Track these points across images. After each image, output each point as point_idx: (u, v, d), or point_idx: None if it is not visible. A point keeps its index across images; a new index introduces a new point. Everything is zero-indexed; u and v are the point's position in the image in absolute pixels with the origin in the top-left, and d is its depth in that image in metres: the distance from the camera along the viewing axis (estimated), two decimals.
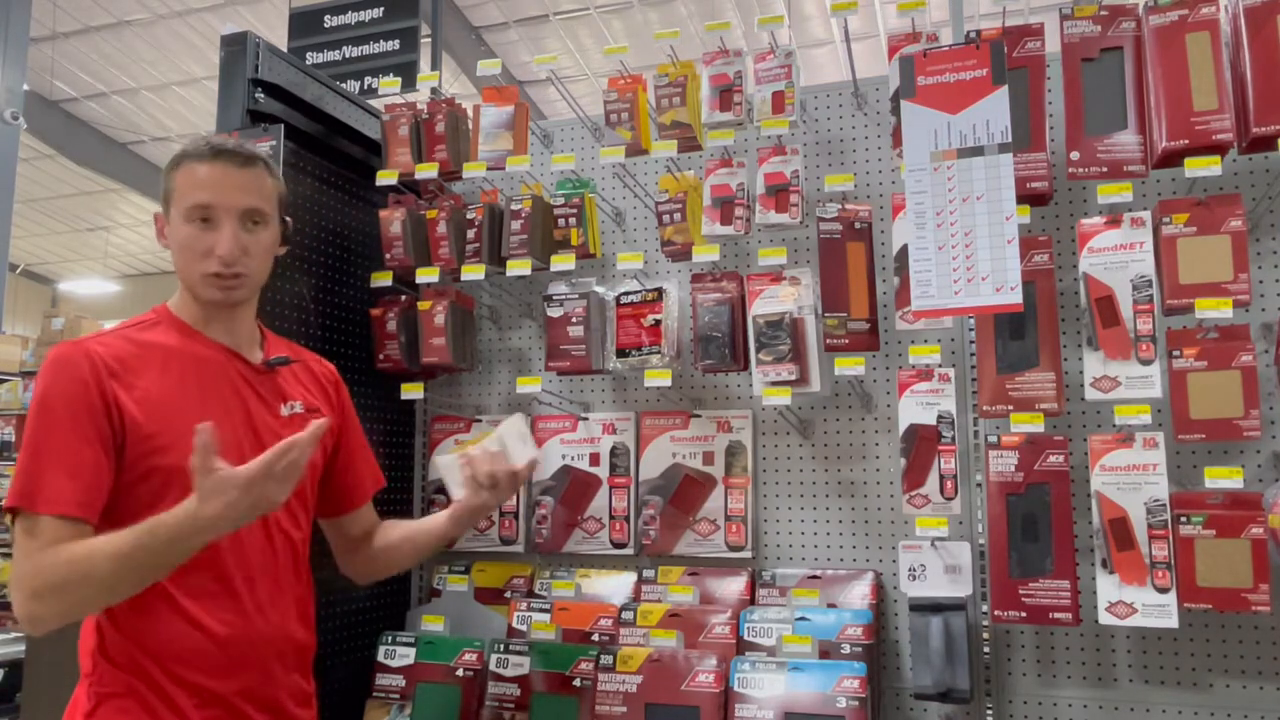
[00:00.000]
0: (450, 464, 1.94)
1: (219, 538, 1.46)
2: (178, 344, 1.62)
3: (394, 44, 5.34)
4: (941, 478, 2.04)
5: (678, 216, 2.29)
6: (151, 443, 1.51)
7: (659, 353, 2.30)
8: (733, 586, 2.32)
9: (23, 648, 3.55)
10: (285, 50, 2.87)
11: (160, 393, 1.55)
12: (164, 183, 1.64)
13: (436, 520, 1.94)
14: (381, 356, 2.53)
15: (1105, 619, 1.91)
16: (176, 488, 1.46)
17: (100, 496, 1.47)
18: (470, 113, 2.55)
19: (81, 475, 1.45)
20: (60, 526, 1.43)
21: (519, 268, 2.39)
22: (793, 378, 2.15)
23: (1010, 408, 1.97)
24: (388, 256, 2.50)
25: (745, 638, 2.15)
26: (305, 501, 1.75)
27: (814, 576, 2.27)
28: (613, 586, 2.43)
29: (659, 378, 2.24)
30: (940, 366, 2.09)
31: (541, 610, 2.36)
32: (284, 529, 1.68)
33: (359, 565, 1.97)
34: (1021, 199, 1.91)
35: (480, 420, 2.67)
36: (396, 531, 1.96)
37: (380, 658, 2.30)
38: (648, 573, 2.39)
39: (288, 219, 1.76)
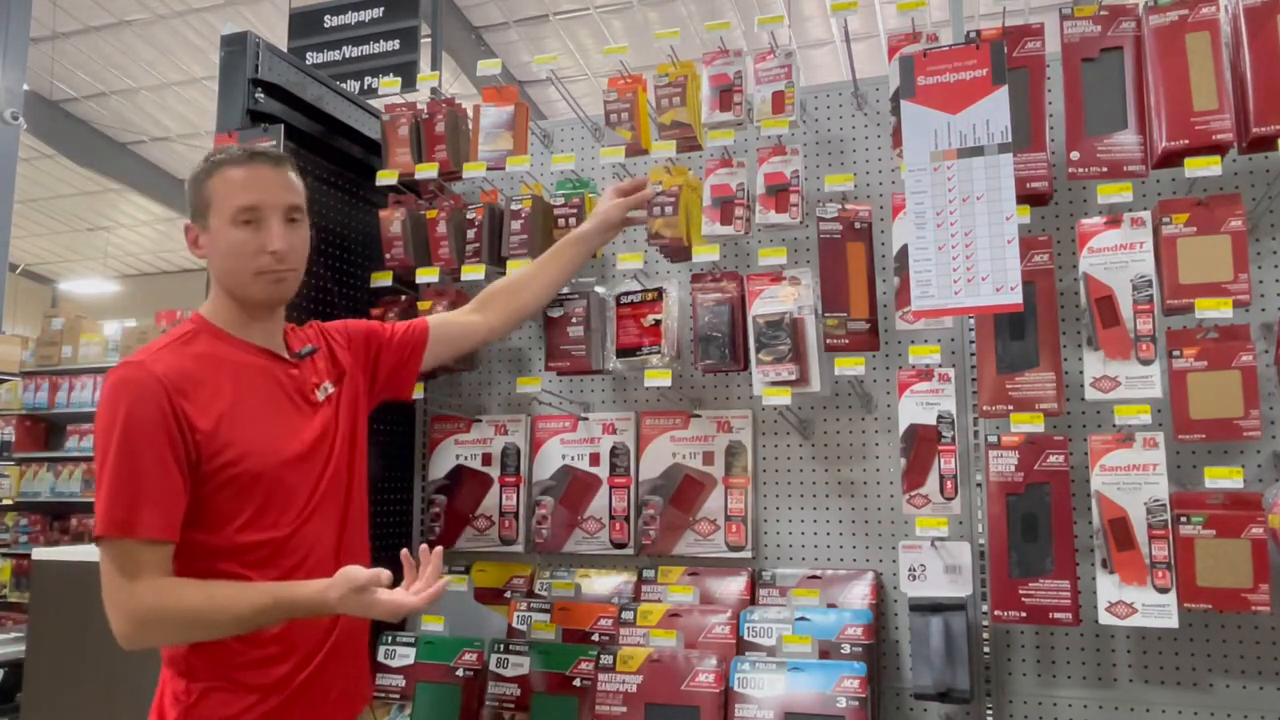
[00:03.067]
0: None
1: (289, 542, 1.65)
2: (224, 353, 1.68)
3: (394, 44, 5.34)
4: (941, 478, 2.04)
5: (669, 209, 2.29)
6: (224, 455, 1.58)
7: (659, 353, 2.30)
8: (733, 586, 2.32)
9: (23, 648, 3.55)
10: (285, 50, 2.87)
11: (223, 404, 1.61)
12: (196, 193, 1.68)
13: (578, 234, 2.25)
14: None
15: (1105, 619, 1.91)
16: (255, 494, 1.61)
17: (181, 516, 1.56)
18: (470, 113, 2.55)
19: (168, 500, 1.54)
20: (153, 551, 1.53)
21: (519, 268, 2.39)
22: (793, 378, 2.15)
23: (1010, 408, 1.97)
24: (388, 256, 2.50)
25: (745, 638, 2.15)
26: (355, 475, 1.82)
27: (814, 576, 2.27)
28: (613, 586, 2.43)
29: (659, 378, 2.24)
30: (940, 366, 2.09)
31: (541, 610, 2.36)
32: (340, 509, 1.76)
33: (494, 323, 2.18)
34: (1021, 199, 1.91)
35: (480, 420, 2.67)
36: (519, 278, 2.18)
37: (380, 658, 2.30)
38: (648, 573, 2.39)
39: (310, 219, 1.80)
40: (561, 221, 2.45)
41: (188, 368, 1.61)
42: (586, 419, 2.58)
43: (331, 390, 1.81)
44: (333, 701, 1.71)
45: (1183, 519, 1.90)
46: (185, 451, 1.56)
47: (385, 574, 1.57)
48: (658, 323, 2.31)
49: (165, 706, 1.62)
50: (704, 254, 2.25)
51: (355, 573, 1.56)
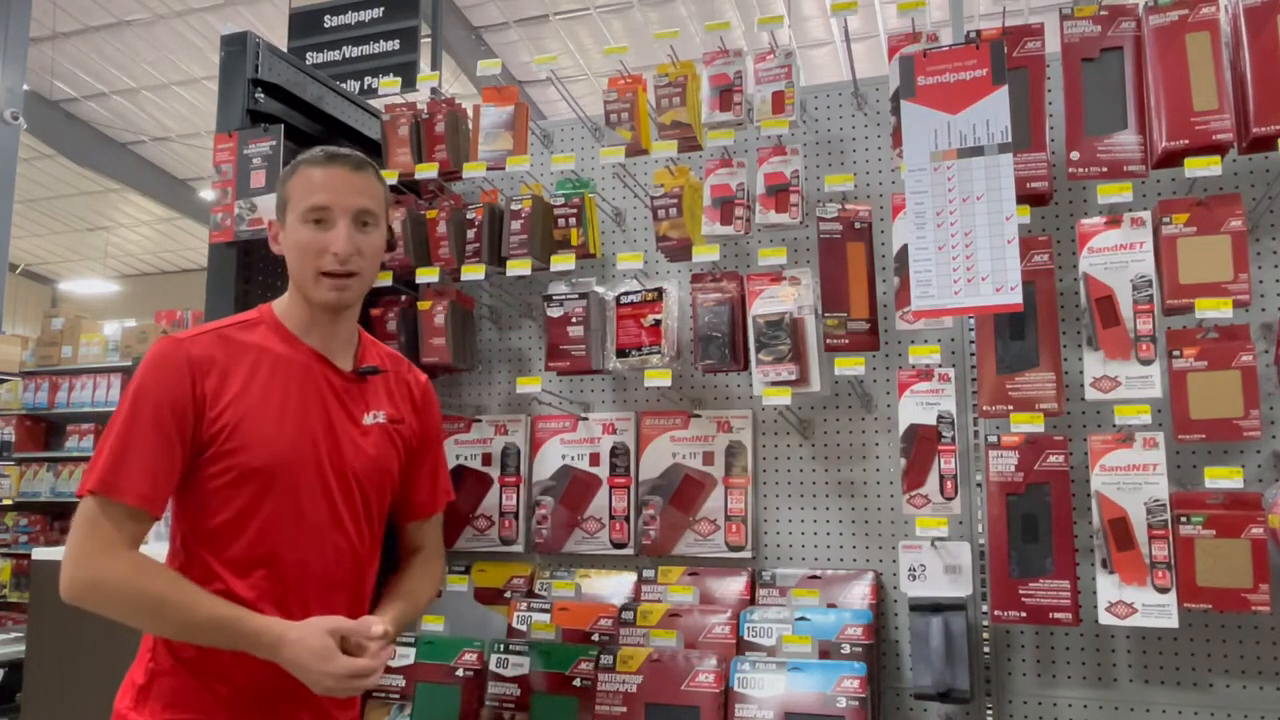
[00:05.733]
0: None
1: (278, 547, 1.62)
2: (275, 346, 1.68)
3: (394, 44, 5.34)
4: (941, 478, 2.04)
5: (673, 211, 2.29)
6: (231, 442, 1.59)
7: (659, 353, 2.30)
8: (733, 586, 2.32)
9: (23, 648, 3.55)
10: (285, 50, 2.87)
11: (247, 394, 1.62)
12: (280, 191, 1.72)
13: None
14: None
15: (1105, 619, 1.91)
16: (250, 485, 1.59)
17: (168, 493, 1.57)
18: (470, 113, 2.55)
19: (158, 472, 1.54)
20: (130, 515, 1.53)
21: (519, 268, 2.39)
22: (793, 378, 2.15)
23: (1010, 408, 1.97)
24: (388, 256, 2.50)
25: (745, 638, 2.15)
26: (370, 510, 1.76)
27: (814, 576, 2.27)
28: (613, 586, 2.43)
29: (659, 378, 2.24)
30: (940, 366, 2.09)
31: (541, 610, 2.35)
32: (344, 530, 1.69)
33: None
34: (1021, 199, 1.91)
35: (480, 420, 2.67)
36: (414, 583, 1.88)
37: None
38: (648, 573, 2.39)
39: (393, 225, 1.78)
40: (561, 222, 2.45)
41: (224, 351, 1.63)
42: (586, 419, 2.58)
43: (383, 420, 1.77)
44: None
45: (1183, 519, 1.90)
46: (193, 430, 1.57)
47: (377, 628, 1.57)
48: (658, 323, 2.31)
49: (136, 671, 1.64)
50: (704, 254, 2.25)
51: (339, 625, 1.54)
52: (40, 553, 3.53)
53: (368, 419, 1.75)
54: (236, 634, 1.52)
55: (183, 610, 1.51)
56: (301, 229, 1.66)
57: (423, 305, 2.51)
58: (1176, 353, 1.92)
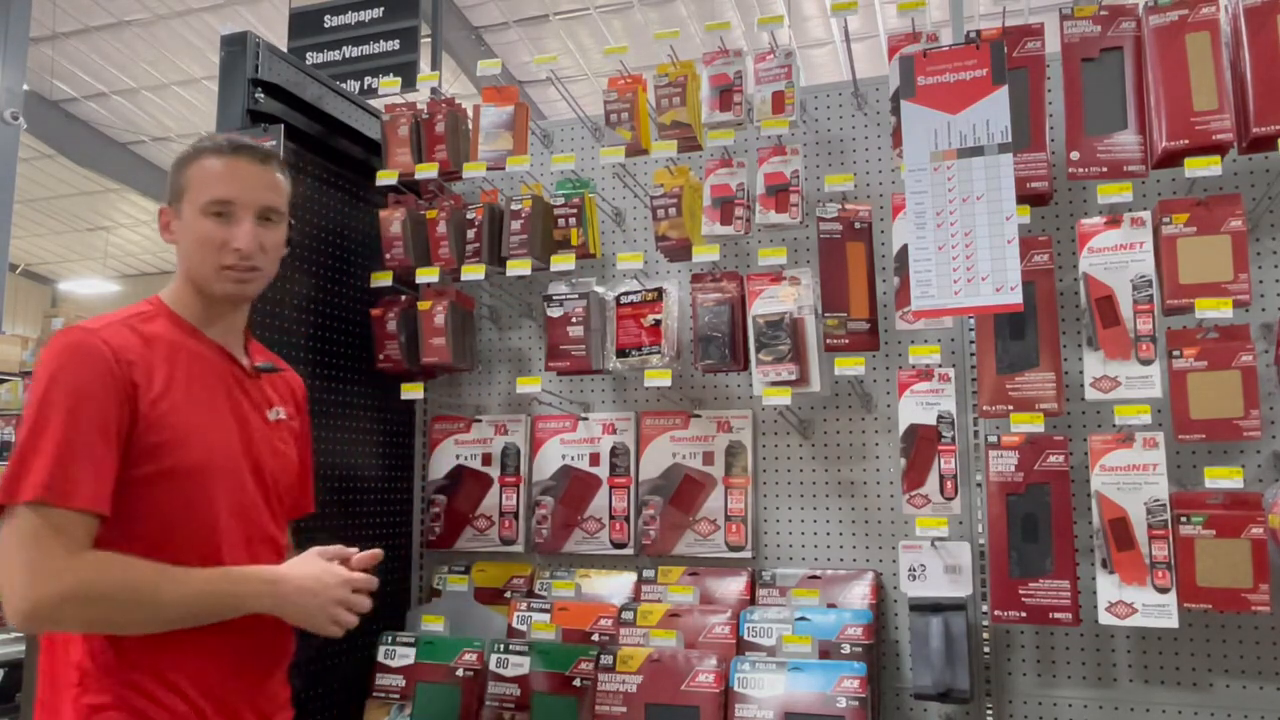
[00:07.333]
0: None
1: (219, 552, 1.53)
2: (180, 340, 1.59)
3: (394, 44, 5.33)
4: (941, 478, 2.04)
5: (673, 211, 2.29)
6: (164, 436, 1.49)
7: (659, 353, 2.30)
8: (733, 586, 2.32)
9: (23, 648, 3.55)
10: (285, 50, 2.87)
11: (172, 388, 1.53)
12: (174, 177, 1.62)
13: None
14: (381, 356, 2.53)
15: (1105, 619, 1.91)
16: (193, 485, 1.51)
17: (112, 491, 1.45)
18: (470, 113, 2.55)
19: (106, 470, 1.44)
20: (87, 523, 1.41)
21: (519, 268, 2.39)
22: (793, 378, 2.15)
23: (1010, 408, 1.97)
24: (388, 256, 2.50)
25: (745, 638, 2.15)
26: (285, 508, 1.72)
27: (814, 576, 2.27)
28: (613, 586, 2.43)
29: (659, 378, 2.24)
30: (940, 366, 2.09)
31: (541, 610, 2.35)
32: (270, 535, 1.65)
33: None
34: (1021, 199, 1.91)
35: (480, 420, 2.67)
36: None
37: (380, 658, 2.30)
38: (648, 573, 2.39)
39: (292, 220, 1.76)
40: (561, 222, 2.45)
41: (138, 343, 1.52)
42: (586, 419, 2.58)
43: (283, 418, 1.72)
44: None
45: (1183, 519, 1.90)
46: (126, 425, 1.46)
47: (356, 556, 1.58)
48: (658, 323, 2.31)
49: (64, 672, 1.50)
50: (704, 254, 2.25)
51: (327, 551, 1.56)
52: None
53: (271, 415, 1.69)
54: (233, 589, 1.48)
55: (179, 585, 1.43)
56: (202, 221, 1.58)
57: (423, 305, 2.51)
58: (1176, 353, 1.92)
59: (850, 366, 2.10)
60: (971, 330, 2.21)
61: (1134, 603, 1.90)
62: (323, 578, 1.53)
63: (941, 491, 2.03)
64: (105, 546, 1.44)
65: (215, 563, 1.52)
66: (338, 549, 1.60)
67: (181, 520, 1.51)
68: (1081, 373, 1.97)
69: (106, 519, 1.44)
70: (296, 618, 1.54)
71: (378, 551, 1.63)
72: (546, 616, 2.34)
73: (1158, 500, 1.91)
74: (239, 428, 1.61)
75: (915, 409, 2.08)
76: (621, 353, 2.34)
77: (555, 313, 2.39)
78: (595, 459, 2.54)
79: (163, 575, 1.44)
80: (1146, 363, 1.91)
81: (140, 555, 1.46)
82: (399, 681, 2.27)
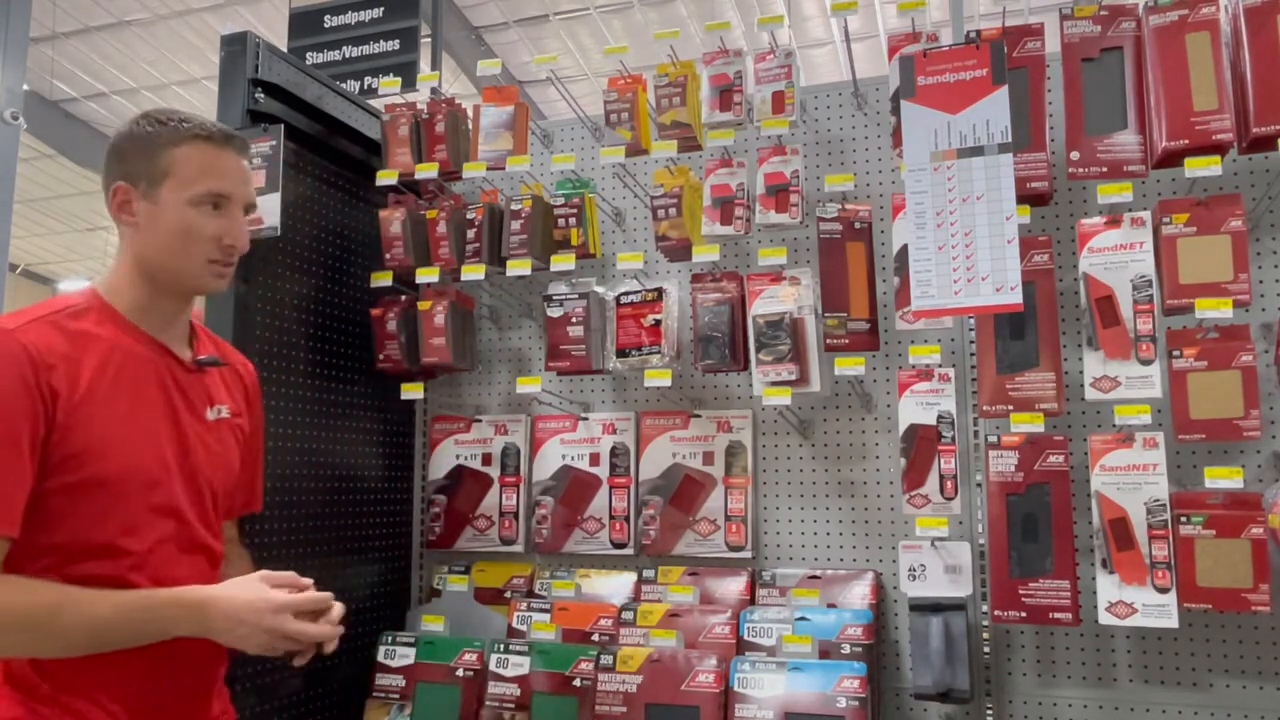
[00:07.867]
0: None
1: (141, 567, 1.45)
2: (111, 337, 1.50)
3: (394, 44, 5.34)
4: (941, 478, 2.04)
5: (673, 211, 2.29)
6: (82, 445, 1.41)
7: (659, 353, 2.30)
8: (733, 586, 2.32)
9: None
10: (285, 50, 2.87)
11: (96, 393, 1.44)
12: (148, 155, 1.51)
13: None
14: (381, 356, 2.53)
15: (1105, 619, 1.91)
16: (111, 496, 1.43)
17: (23, 510, 1.37)
18: (470, 113, 2.55)
19: (15, 489, 1.34)
20: (2, 547, 1.34)
21: (519, 268, 2.39)
22: (793, 378, 2.15)
23: (1010, 408, 1.98)
24: (388, 256, 2.50)
25: (745, 638, 2.15)
26: (219, 513, 1.65)
27: (814, 576, 2.27)
28: (613, 586, 2.43)
29: (659, 378, 2.24)
30: (940, 366, 2.09)
31: (541, 610, 2.35)
32: (203, 543, 1.58)
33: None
34: (1021, 199, 1.91)
35: (480, 420, 2.67)
36: (231, 568, 1.71)
37: (380, 658, 2.30)
38: (648, 573, 2.39)
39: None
40: (561, 222, 2.45)
41: (62, 343, 1.42)
42: (586, 419, 2.58)
43: (225, 416, 1.64)
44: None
45: (1183, 519, 1.90)
46: (41, 435, 1.37)
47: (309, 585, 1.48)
48: (658, 323, 2.31)
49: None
50: (704, 254, 2.25)
51: (266, 575, 1.45)
52: None
53: (210, 414, 1.61)
54: (151, 615, 1.39)
55: (85, 609, 1.35)
56: (190, 211, 1.50)
57: (423, 305, 2.51)
58: (1176, 353, 1.92)
59: (850, 366, 2.10)
60: (971, 330, 2.21)
61: (1134, 603, 1.90)
62: (255, 604, 1.42)
63: (941, 491, 2.03)
64: (16, 563, 1.37)
65: (136, 579, 1.44)
66: (290, 576, 1.50)
67: (98, 534, 1.42)
68: (1081, 373, 1.97)
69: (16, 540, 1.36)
70: (228, 642, 1.45)
71: (327, 595, 1.51)
72: (546, 616, 2.34)
73: (1158, 500, 1.91)
74: (171, 431, 1.53)
75: (915, 409, 2.08)
76: (621, 353, 2.34)
77: (555, 313, 2.39)
78: (595, 459, 2.54)
79: (66, 600, 1.35)
80: (1146, 363, 1.91)
81: (54, 572, 1.39)
82: (399, 681, 2.27)
